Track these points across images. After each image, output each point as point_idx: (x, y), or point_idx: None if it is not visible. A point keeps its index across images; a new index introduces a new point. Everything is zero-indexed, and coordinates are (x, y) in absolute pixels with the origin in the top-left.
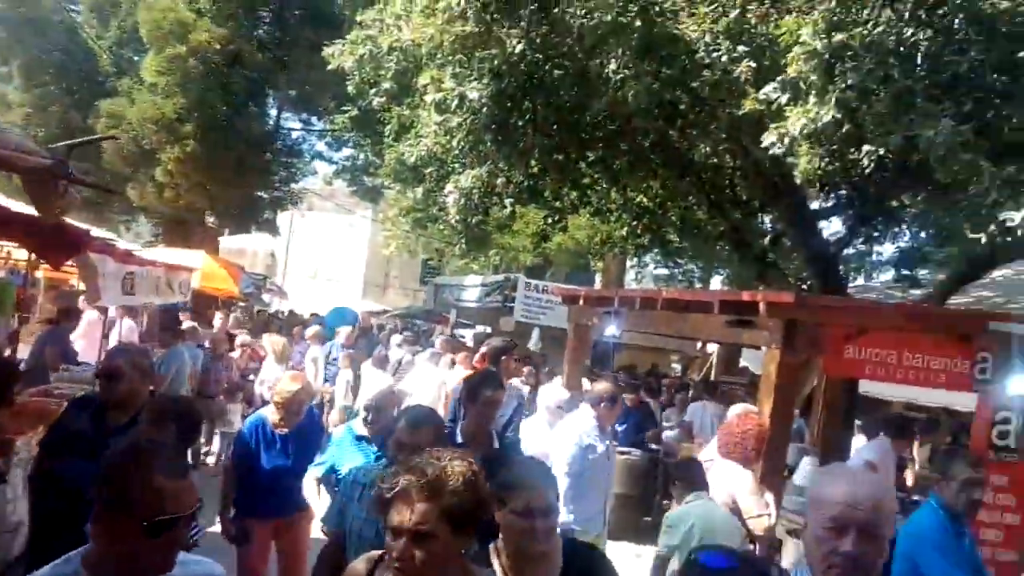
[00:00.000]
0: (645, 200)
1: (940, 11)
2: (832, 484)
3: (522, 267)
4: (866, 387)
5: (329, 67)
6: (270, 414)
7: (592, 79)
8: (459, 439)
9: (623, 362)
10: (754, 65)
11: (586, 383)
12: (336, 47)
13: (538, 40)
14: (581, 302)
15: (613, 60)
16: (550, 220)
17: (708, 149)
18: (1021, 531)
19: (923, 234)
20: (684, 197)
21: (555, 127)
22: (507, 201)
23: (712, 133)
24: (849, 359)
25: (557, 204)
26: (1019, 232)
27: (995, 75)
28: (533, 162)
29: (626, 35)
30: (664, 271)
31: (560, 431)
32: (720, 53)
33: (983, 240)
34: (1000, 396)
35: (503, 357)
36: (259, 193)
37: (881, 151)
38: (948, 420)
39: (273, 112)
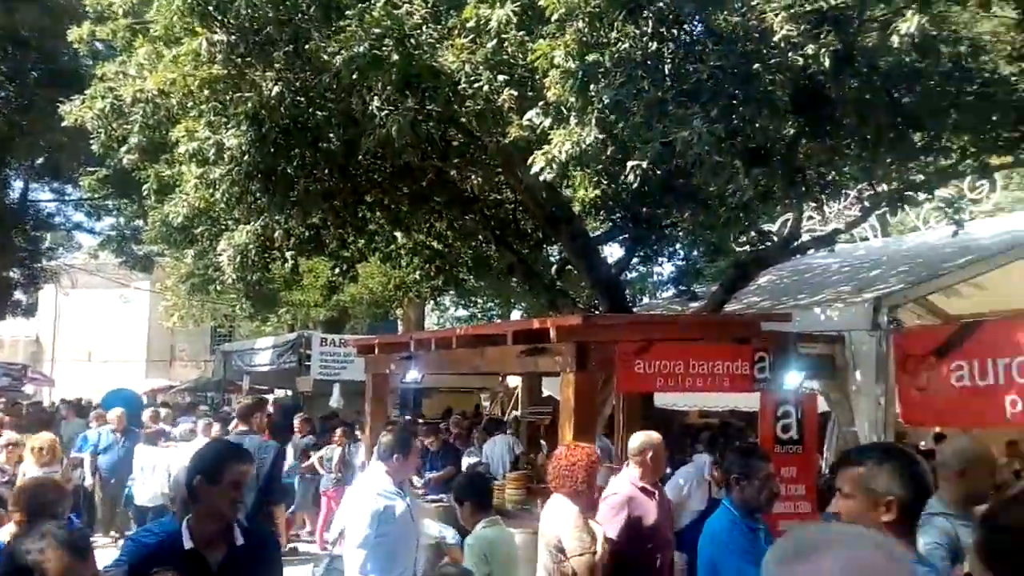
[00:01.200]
0: (434, 241)
1: (679, 25)
2: None
3: (317, 323)
4: (661, 400)
5: (65, 123)
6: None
7: (358, 118)
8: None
9: (435, 407)
10: (515, 93)
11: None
12: (74, 103)
13: (296, 81)
14: (376, 351)
15: (376, 97)
16: (338, 271)
17: (485, 184)
18: (814, 518)
19: (695, 252)
20: (471, 235)
21: (327, 171)
22: (288, 254)
23: (485, 166)
24: (640, 374)
25: (343, 253)
26: (775, 238)
27: (732, 83)
28: (311, 211)
29: (384, 69)
30: (464, 312)
31: (351, 498)
32: (481, 83)
33: (747, 249)
34: (779, 392)
35: (256, 414)
36: (8, 273)
37: (644, 164)
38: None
39: (19, 184)
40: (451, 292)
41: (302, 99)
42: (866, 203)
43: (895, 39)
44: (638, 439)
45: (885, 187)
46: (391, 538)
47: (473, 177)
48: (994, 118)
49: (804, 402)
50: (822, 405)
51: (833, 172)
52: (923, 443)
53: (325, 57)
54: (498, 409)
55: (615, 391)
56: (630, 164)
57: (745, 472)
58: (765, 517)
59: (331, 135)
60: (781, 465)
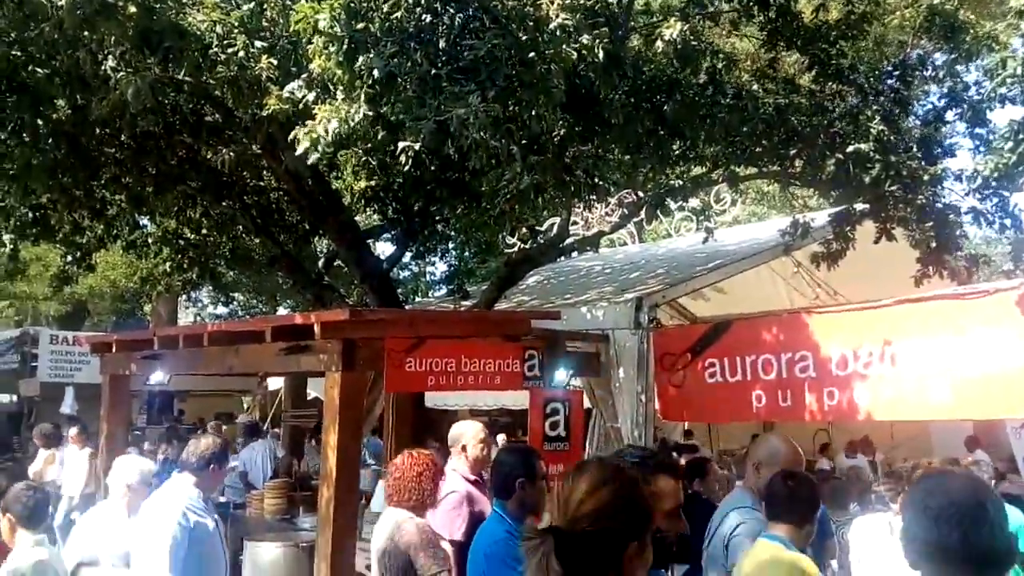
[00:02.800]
0: (186, 229)
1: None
2: None
3: (50, 319)
4: (431, 399)
5: None
6: None
7: (88, 79)
8: None
9: (192, 412)
10: (275, 62)
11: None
12: None
13: (10, 31)
14: (114, 349)
15: (110, 56)
16: (71, 259)
17: (244, 167)
18: None
19: (467, 251)
20: (230, 223)
21: (51, 141)
22: (6, 238)
23: (244, 146)
24: (411, 372)
25: (77, 239)
26: (541, 239)
27: (510, 66)
28: (34, 188)
29: (117, 22)
30: (224, 309)
31: (148, 515)
32: (236, 48)
33: (519, 246)
34: (548, 389)
35: None
36: None
37: (416, 145)
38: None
39: None
40: (207, 286)
41: (18, 52)
42: (625, 210)
43: (659, 44)
44: (454, 429)
45: (642, 194)
46: (202, 563)
47: (230, 158)
48: (744, 130)
49: (571, 399)
50: (585, 402)
51: (598, 175)
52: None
53: (44, 1)
54: (257, 413)
55: (384, 391)
56: (402, 145)
57: (530, 473)
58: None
59: (55, 98)
60: (550, 462)
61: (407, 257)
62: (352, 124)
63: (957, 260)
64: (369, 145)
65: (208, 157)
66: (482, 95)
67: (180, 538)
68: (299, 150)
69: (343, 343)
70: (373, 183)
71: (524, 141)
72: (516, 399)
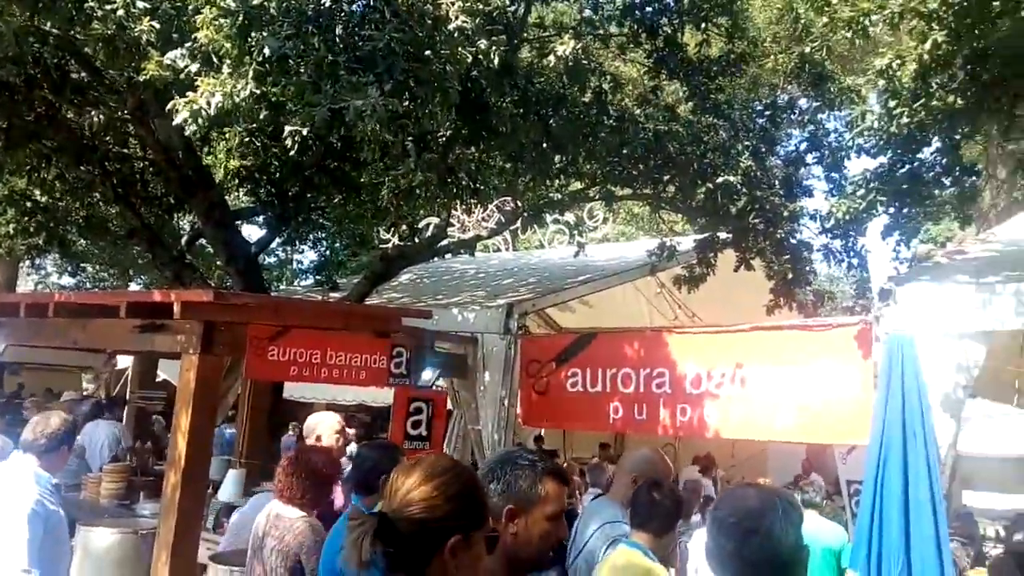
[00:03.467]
0: (36, 191)
1: None
2: None
3: None
4: (288, 390)
5: None
6: None
7: None
8: None
9: (29, 385)
10: (157, 26)
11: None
12: None
13: None
14: None
15: None
16: None
17: (109, 131)
18: None
19: (339, 242)
20: (87, 189)
21: None
22: None
23: (111, 109)
24: (273, 360)
25: None
26: (426, 234)
27: (406, 59)
28: None
29: None
30: (70, 279)
31: None
32: (116, 6)
33: (395, 242)
34: (413, 388)
35: None
36: None
37: (304, 130)
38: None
39: None
40: (54, 254)
41: None
42: (501, 217)
43: (551, 59)
44: (310, 420)
45: (520, 203)
46: (54, 556)
47: (95, 120)
48: (624, 152)
49: (436, 400)
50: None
51: (480, 179)
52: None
53: None
54: (102, 392)
55: (243, 377)
56: (289, 128)
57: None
58: None
59: None
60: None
61: (275, 243)
62: (237, 100)
63: (806, 294)
64: (253, 124)
65: (69, 117)
66: (379, 88)
67: (37, 529)
68: (177, 119)
69: (204, 325)
70: (248, 163)
71: (413, 138)
72: (376, 396)
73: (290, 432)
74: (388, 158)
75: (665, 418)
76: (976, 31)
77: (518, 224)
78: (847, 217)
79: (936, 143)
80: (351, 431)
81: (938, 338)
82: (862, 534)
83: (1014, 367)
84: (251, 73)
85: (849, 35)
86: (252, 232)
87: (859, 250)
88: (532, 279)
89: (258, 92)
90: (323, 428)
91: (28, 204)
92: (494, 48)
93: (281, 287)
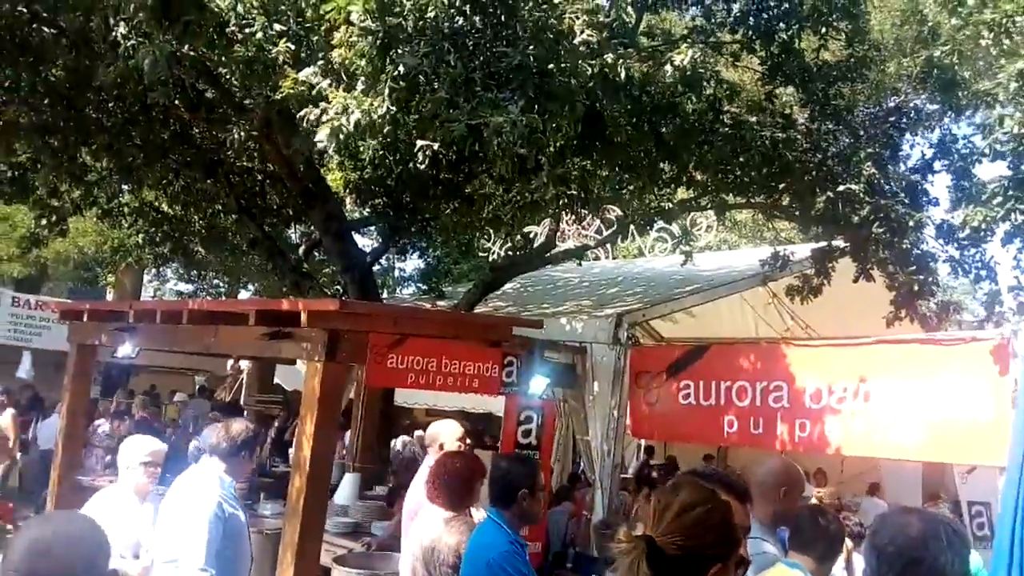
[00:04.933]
0: (165, 203)
1: (486, 6)
2: None
3: (8, 279)
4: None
5: None
6: None
7: (96, 43)
8: None
9: (143, 387)
10: (293, 47)
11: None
12: None
13: None
14: (85, 318)
15: (123, 22)
16: (44, 222)
17: (236, 146)
18: (545, 524)
19: (448, 250)
20: (211, 201)
21: (47, 102)
22: None
23: (242, 126)
24: (392, 368)
25: (54, 202)
26: (536, 243)
27: (535, 74)
28: (18, 145)
29: None
30: (188, 287)
31: (177, 503)
32: (254, 29)
33: (496, 251)
34: (524, 396)
35: None
36: None
37: (436, 145)
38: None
39: None
40: (177, 263)
41: (24, 9)
42: (603, 225)
43: (668, 68)
44: (432, 428)
45: (624, 211)
46: (235, 560)
47: (234, 137)
48: (739, 160)
49: (546, 409)
50: None
51: (591, 189)
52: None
53: None
54: (226, 395)
55: (364, 384)
56: (421, 143)
57: (532, 484)
58: None
59: (58, 59)
60: None
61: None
62: (374, 117)
63: (929, 306)
64: (387, 140)
65: (197, 133)
66: (516, 103)
67: (216, 531)
68: (319, 135)
69: (329, 333)
70: (367, 174)
71: (543, 152)
72: (476, 403)
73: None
74: (516, 172)
75: (783, 432)
76: None
77: (631, 232)
78: (984, 226)
79: None
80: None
81: None
82: (1000, 561)
83: None
84: (387, 90)
85: (990, 37)
86: (362, 241)
87: (988, 261)
88: (639, 288)
89: (394, 109)
90: (445, 436)
91: (156, 215)
92: (621, 62)
93: (384, 295)
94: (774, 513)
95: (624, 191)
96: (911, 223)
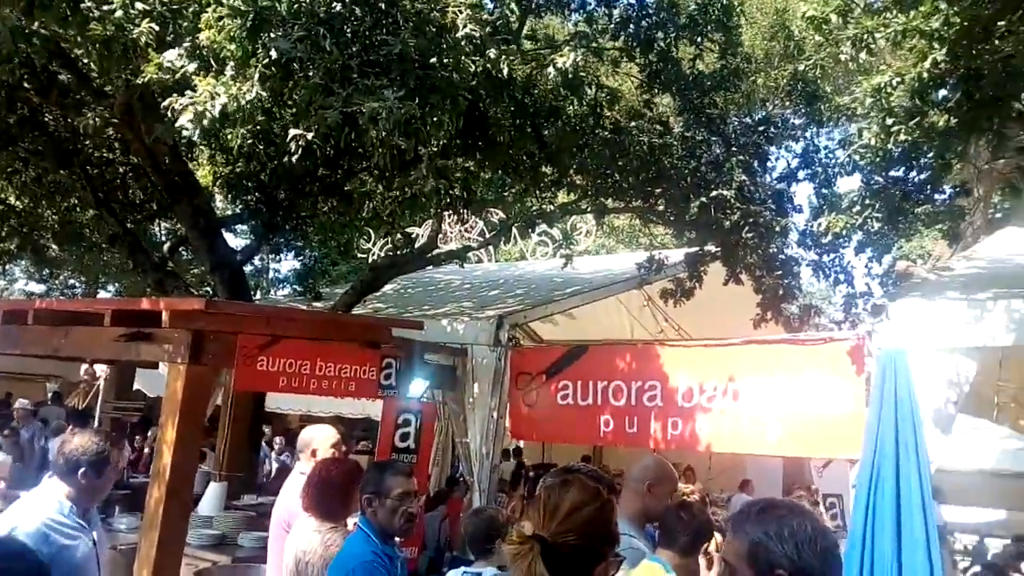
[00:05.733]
0: (12, 196)
1: None
2: None
3: None
4: (268, 401)
5: None
6: None
7: None
8: None
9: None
10: (157, 28)
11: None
12: None
13: None
14: None
15: None
16: None
17: (93, 134)
18: (421, 528)
19: (323, 249)
20: (65, 194)
21: None
22: None
23: (100, 112)
24: (263, 371)
25: None
26: (418, 243)
27: (417, 65)
28: None
29: None
30: (40, 287)
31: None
32: (113, 7)
33: (377, 252)
34: (403, 399)
35: None
36: None
37: (310, 135)
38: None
39: None
40: (27, 260)
41: None
42: (484, 228)
43: (551, 71)
44: (305, 433)
45: (505, 214)
46: None
47: (94, 124)
48: (618, 164)
49: (424, 411)
50: None
51: (474, 189)
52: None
53: None
54: (79, 401)
55: (233, 388)
56: (293, 132)
57: (376, 489)
58: None
59: None
60: None
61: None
62: (242, 103)
63: (792, 308)
64: (256, 128)
65: (49, 119)
66: (393, 92)
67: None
68: (180, 121)
69: (193, 334)
70: (239, 169)
71: (423, 145)
72: (354, 407)
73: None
74: (395, 165)
75: (656, 431)
76: (973, 51)
77: (513, 234)
78: (844, 232)
79: (928, 161)
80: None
81: (930, 353)
82: (854, 547)
83: (994, 383)
84: (256, 75)
85: (851, 52)
86: (233, 241)
87: (846, 266)
88: (520, 290)
89: (265, 95)
90: (319, 442)
91: (2, 208)
92: (503, 57)
93: (257, 297)
94: (642, 509)
95: (507, 193)
96: (777, 228)
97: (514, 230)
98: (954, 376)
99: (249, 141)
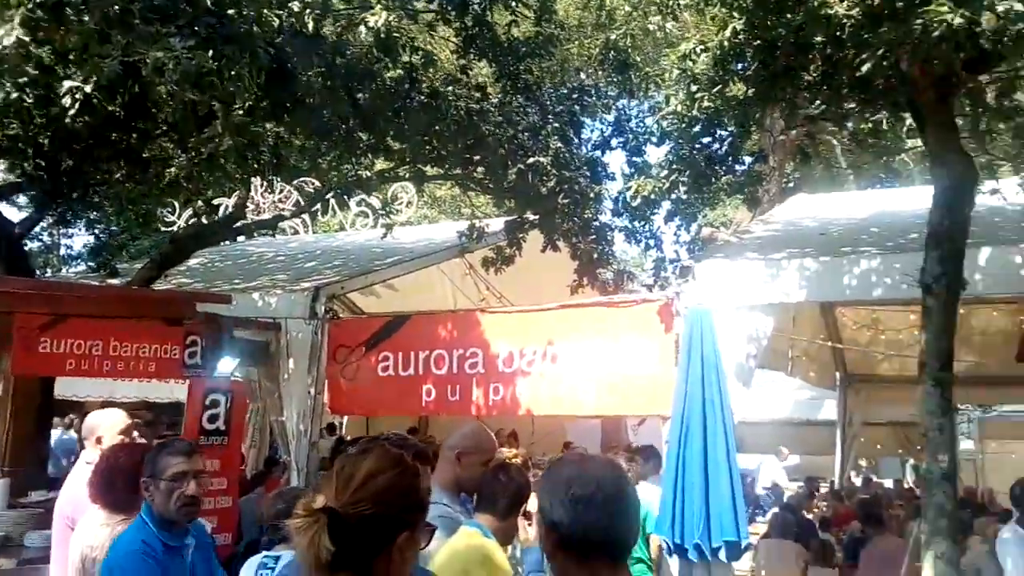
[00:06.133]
0: None
1: None
2: None
3: None
4: (59, 388)
5: None
6: None
7: None
8: None
9: None
10: None
11: None
12: None
13: None
14: None
15: None
16: None
17: None
18: (234, 512)
19: (117, 224)
20: None
21: None
22: None
23: None
24: (45, 353)
25: None
26: (223, 213)
27: (210, 14)
28: None
29: None
30: None
31: None
32: None
33: (181, 224)
34: (210, 379)
35: None
36: None
37: (88, 87)
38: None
39: None
40: None
41: None
42: (300, 199)
43: (363, 30)
44: (89, 419)
45: (323, 182)
46: None
47: None
48: (435, 129)
49: (234, 391)
50: None
51: (283, 155)
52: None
53: None
54: None
55: (11, 372)
56: (68, 85)
57: (152, 472)
58: None
59: None
60: (208, 457)
61: (42, 225)
62: (1, 48)
63: (607, 273)
64: (22, 80)
65: None
66: (182, 41)
67: None
68: None
69: None
70: (12, 131)
71: (219, 100)
72: (161, 390)
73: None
74: (190, 123)
75: (478, 398)
76: (768, 21)
77: (319, 205)
78: (652, 196)
79: (729, 129)
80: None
81: (732, 311)
82: (667, 500)
83: (788, 338)
84: (18, 18)
85: (659, 21)
86: (11, 212)
87: (655, 231)
88: (337, 261)
89: (27, 39)
90: (104, 429)
91: None
92: (308, 12)
93: (47, 274)
94: (453, 478)
95: (321, 160)
96: (592, 195)
97: (331, 200)
98: (753, 332)
99: (16, 95)
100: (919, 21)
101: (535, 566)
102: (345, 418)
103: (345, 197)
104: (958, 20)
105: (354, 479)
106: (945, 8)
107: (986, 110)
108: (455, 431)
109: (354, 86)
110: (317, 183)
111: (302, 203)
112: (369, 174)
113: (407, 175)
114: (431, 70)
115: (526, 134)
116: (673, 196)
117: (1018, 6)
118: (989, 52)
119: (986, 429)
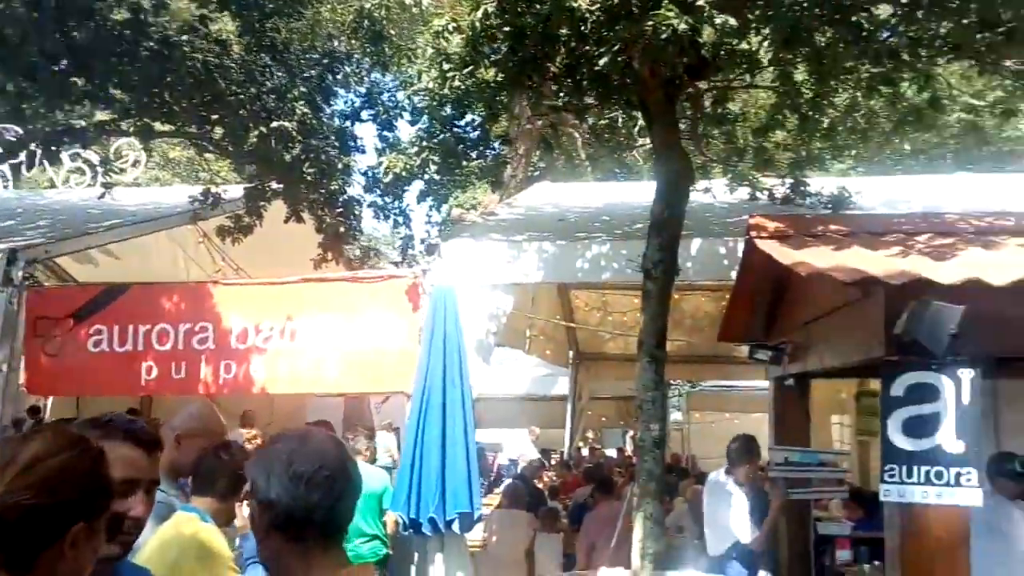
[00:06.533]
0: None
1: None
2: None
3: None
4: None
5: None
6: None
7: None
8: None
9: None
10: None
11: None
12: None
13: None
14: None
15: None
16: None
17: None
18: None
19: None
20: None
21: None
22: None
23: None
24: None
25: None
26: None
27: None
28: None
29: None
30: None
31: None
32: None
33: None
34: None
35: None
36: None
37: None
38: None
39: None
40: None
41: None
42: (1, 147)
43: None
44: None
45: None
46: None
47: None
48: (167, 81)
49: None
50: None
51: None
52: None
53: None
54: None
55: None
56: None
57: None
58: None
59: None
60: None
61: None
62: None
63: (354, 249)
64: None
65: None
66: None
67: None
68: None
69: None
70: None
71: None
72: None
73: None
74: None
75: (207, 375)
76: (519, 8)
77: (23, 158)
78: (404, 173)
79: (479, 112)
80: None
81: (475, 290)
82: (404, 476)
83: (526, 316)
84: None
85: None
86: None
87: (405, 209)
88: (43, 222)
89: None
90: None
91: None
92: None
93: None
94: (170, 462)
95: (26, 106)
96: (340, 167)
97: (37, 151)
98: (495, 310)
99: None
100: (650, 23)
101: (253, 552)
102: (50, 400)
103: (54, 149)
104: (683, 26)
105: (12, 466)
106: (672, 14)
107: (703, 115)
108: (181, 411)
109: (70, 24)
110: (19, 130)
111: (3, 152)
112: (85, 124)
113: (131, 129)
114: (164, 14)
115: (271, 96)
116: (425, 176)
117: (732, 21)
118: (708, 61)
119: (692, 402)
